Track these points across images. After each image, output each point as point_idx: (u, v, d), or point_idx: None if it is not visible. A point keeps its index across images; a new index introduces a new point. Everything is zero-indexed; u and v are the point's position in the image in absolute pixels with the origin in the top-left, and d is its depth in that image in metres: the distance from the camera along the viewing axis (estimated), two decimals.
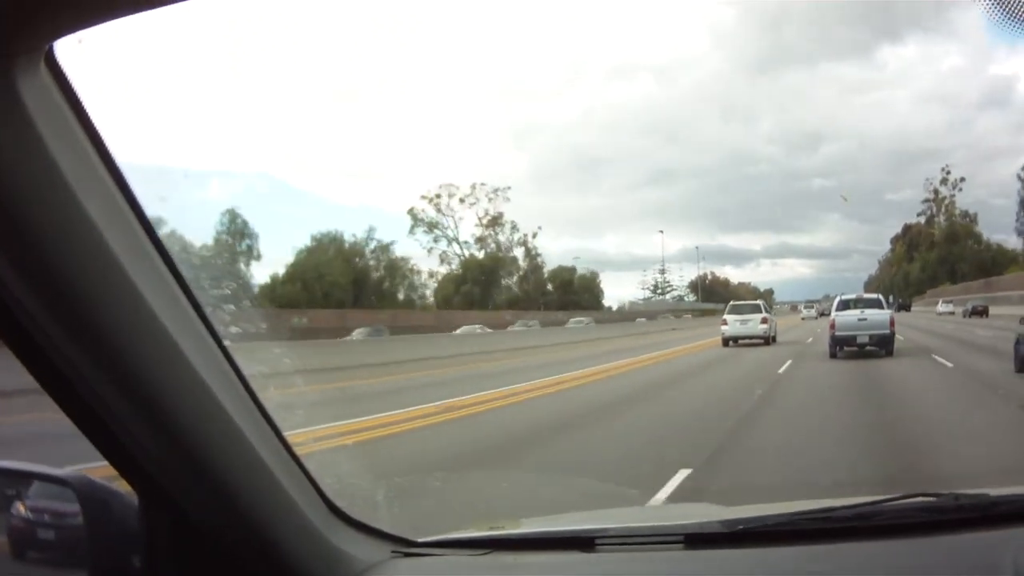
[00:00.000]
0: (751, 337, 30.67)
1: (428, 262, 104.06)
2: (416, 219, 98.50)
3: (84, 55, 1.13)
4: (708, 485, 6.98)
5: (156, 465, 1.33)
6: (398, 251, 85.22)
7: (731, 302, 38.59)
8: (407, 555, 1.77)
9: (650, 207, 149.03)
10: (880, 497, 1.73)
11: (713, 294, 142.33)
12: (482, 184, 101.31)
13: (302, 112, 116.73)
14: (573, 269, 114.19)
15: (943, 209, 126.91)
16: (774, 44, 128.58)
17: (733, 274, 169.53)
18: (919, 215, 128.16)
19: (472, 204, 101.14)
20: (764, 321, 31.11)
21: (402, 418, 12.00)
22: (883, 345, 22.46)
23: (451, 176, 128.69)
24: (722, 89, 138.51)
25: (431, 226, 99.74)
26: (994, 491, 1.74)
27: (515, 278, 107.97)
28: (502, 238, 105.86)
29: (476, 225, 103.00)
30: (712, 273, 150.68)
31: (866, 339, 22.56)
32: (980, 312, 59.77)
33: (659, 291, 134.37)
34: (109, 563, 1.39)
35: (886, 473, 7.50)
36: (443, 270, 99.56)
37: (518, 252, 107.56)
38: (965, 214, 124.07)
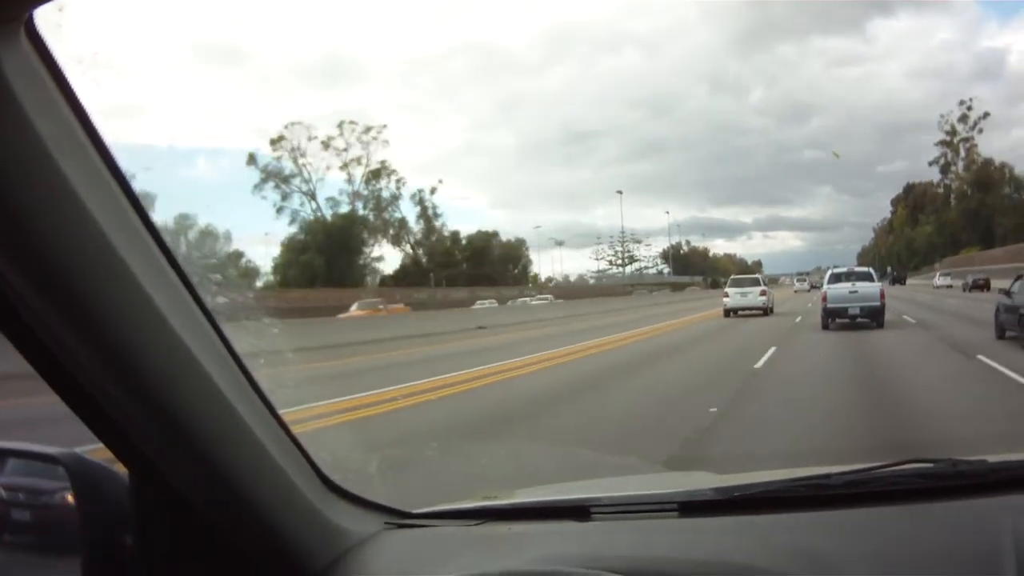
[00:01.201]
0: (751, 308, 32.86)
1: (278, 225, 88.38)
2: (265, 171, 79.80)
3: (65, 23, 1.10)
4: (703, 454, 7.03)
5: (148, 443, 1.31)
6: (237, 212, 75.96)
7: (732, 276, 42.47)
8: (400, 526, 1.77)
9: (639, 180, 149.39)
10: (876, 464, 1.73)
11: (690, 266, 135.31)
12: (351, 123, 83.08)
13: (291, 87, 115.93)
14: (493, 235, 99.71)
15: (962, 154, 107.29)
16: (763, 16, 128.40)
17: (724, 247, 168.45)
18: (931, 163, 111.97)
19: (343, 151, 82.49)
20: (763, 293, 33.56)
21: None
22: (874, 317, 23.28)
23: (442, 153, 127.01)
24: (711, 61, 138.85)
25: (283, 179, 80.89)
26: (992, 457, 1.74)
27: (405, 245, 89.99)
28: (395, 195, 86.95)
29: (346, 178, 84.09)
30: (688, 242, 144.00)
31: (857, 311, 23.45)
32: (981, 286, 54.85)
33: (619, 263, 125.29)
34: (101, 541, 1.38)
35: (881, 439, 7.65)
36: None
37: (412, 212, 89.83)
38: (990, 162, 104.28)
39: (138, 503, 1.41)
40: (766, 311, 33.08)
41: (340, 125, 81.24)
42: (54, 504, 1.37)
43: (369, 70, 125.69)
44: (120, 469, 1.40)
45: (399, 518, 1.80)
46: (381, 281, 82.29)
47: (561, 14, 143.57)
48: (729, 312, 32.91)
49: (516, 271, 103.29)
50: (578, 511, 1.76)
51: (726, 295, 34.38)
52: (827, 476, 1.70)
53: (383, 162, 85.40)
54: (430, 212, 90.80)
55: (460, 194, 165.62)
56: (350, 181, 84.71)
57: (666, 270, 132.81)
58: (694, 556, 1.52)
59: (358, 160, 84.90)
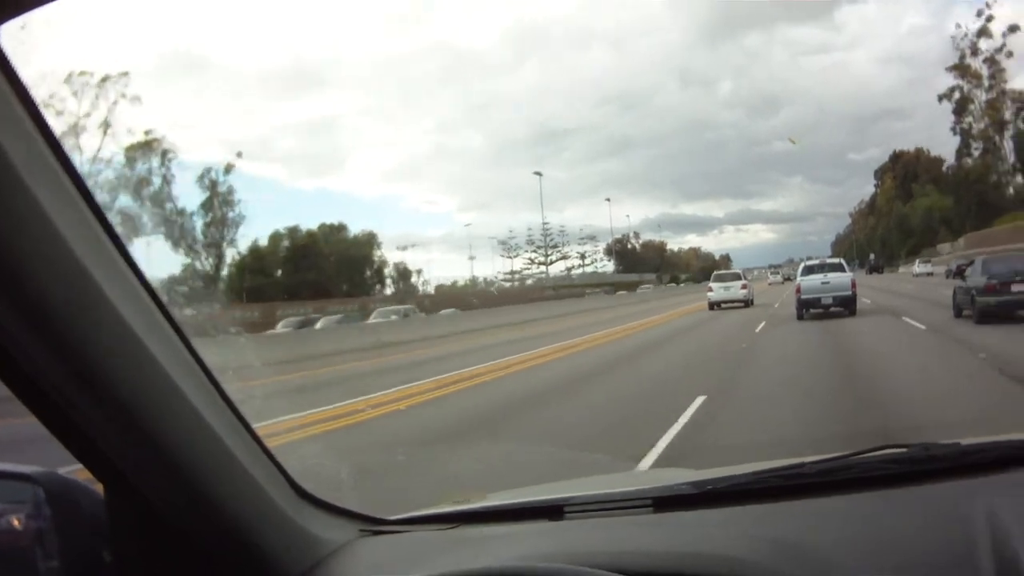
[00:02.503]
0: (733, 300, 35.36)
1: None
2: None
3: (29, 40, 1.10)
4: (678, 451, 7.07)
5: (122, 458, 1.32)
6: None
7: (715, 272, 44.27)
8: (375, 533, 1.78)
9: (610, 178, 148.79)
10: (850, 451, 1.75)
11: (640, 263, 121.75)
12: (82, 74, 54.95)
13: (259, 98, 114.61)
14: (338, 228, 77.59)
15: (987, 85, 77.67)
16: (730, 6, 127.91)
17: (697, 242, 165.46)
18: (941, 97, 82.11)
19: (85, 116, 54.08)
20: (744, 287, 36.27)
21: None
22: (846, 305, 24.54)
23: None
24: (679, 54, 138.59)
25: None
26: (966, 441, 1.76)
27: (187, 248, 65.80)
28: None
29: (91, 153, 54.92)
30: (636, 236, 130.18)
31: (830, 301, 24.67)
32: (961, 272, 52.86)
33: (543, 261, 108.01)
34: (78, 557, 1.38)
35: (860, 422, 7.90)
36: None
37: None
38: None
39: (114, 518, 1.40)
40: (747, 303, 35.25)
41: (68, 78, 54.24)
42: (29, 523, 1.36)
43: (332, 74, 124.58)
44: (96, 486, 1.40)
45: (374, 525, 1.81)
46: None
47: (526, 12, 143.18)
48: (713, 305, 35.18)
49: (369, 276, 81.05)
50: (552, 511, 1.77)
51: (710, 290, 36.88)
52: (801, 465, 1.72)
53: (147, 132, 59.15)
54: (221, 196, 67.71)
55: (428, 199, 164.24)
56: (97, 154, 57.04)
57: (611, 268, 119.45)
58: (670, 549, 1.52)
59: (105, 126, 57.22)
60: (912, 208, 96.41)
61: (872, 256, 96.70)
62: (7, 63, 1.06)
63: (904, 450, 1.71)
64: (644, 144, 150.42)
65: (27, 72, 1.09)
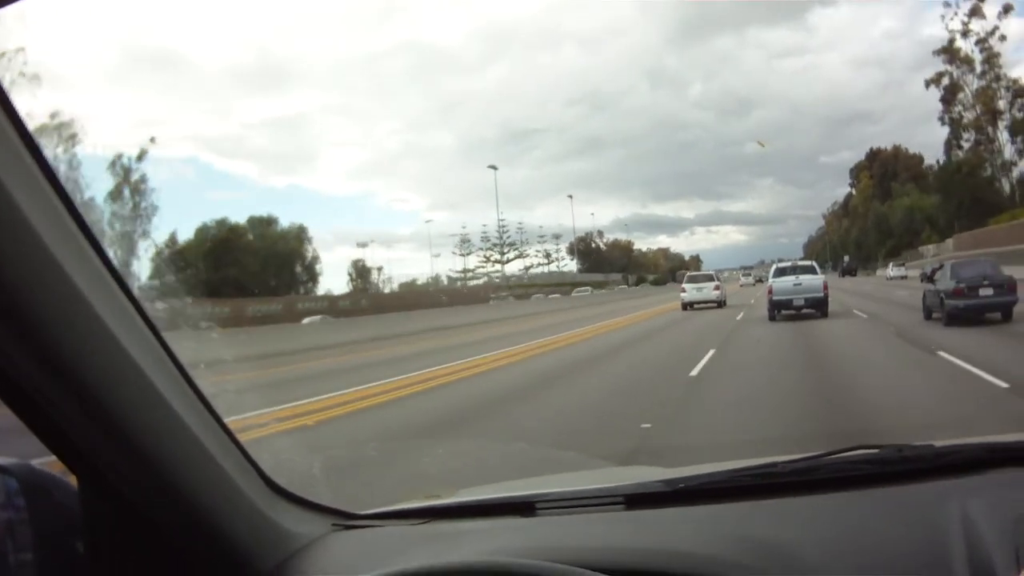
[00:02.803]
0: (706, 301, 35.64)
1: None
2: None
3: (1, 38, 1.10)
4: (649, 446, 7.09)
5: (95, 452, 1.32)
6: None
7: (688, 273, 45.54)
8: (347, 528, 1.79)
9: (581, 178, 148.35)
10: (823, 451, 1.75)
11: (606, 263, 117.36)
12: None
13: (223, 92, 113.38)
14: (268, 222, 72.18)
15: (979, 71, 69.75)
16: (701, 8, 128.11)
17: (667, 243, 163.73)
18: (929, 82, 73.89)
19: None
20: (716, 288, 36.50)
21: None
22: (818, 307, 24.71)
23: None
24: (650, 55, 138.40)
25: None
26: (939, 442, 1.76)
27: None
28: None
29: None
30: (600, 235, 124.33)
31: (802, 302, 24.79)
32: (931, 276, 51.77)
33: (498, 259, 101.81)
34: (52, 550, 1.38)
35: (832, 423, 8.05)
36: None
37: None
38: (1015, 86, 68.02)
39: (88, 511, 1.41)
40: (720, 304, 35.50)
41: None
42: (2, 514, 1.37)
43: (300, 72, 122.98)
44: (70, 478, 1.40)
45: (345, 519, 1.82)
46: None
47: (497, 11, 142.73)
48: (686, 306, 35.46)
49: (300, 272, 75.77)
50: (523, 507, 1.77)
51: (683, 290, 37.17)
52: (774, 464, 1.72)
53: (54, 114, 49.51)
54: (140, 188, 61.43)
55: (398, 196, 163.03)
56: None
57: (575, 267, 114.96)
58: (641, 546, 1.52)
59: None
60: (891, 208, 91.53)
61: (846, 258, 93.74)
62: None
63: (877, 451, 1.72)
64: (614, 144, 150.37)
65: None
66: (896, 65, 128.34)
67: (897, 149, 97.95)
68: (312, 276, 77.79)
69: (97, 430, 1.29)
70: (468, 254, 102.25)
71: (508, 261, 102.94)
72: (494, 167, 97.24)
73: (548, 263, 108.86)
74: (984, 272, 18.73)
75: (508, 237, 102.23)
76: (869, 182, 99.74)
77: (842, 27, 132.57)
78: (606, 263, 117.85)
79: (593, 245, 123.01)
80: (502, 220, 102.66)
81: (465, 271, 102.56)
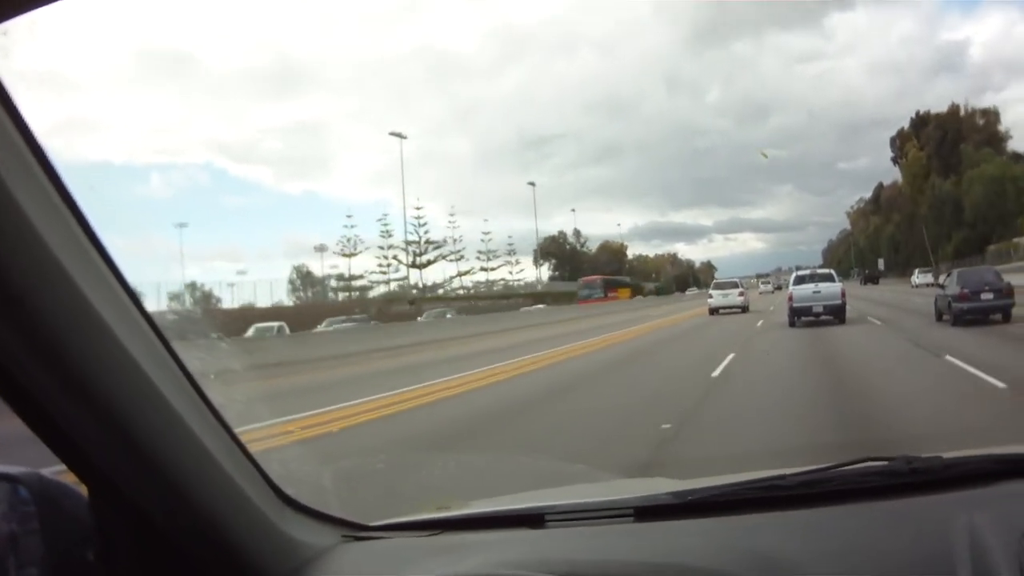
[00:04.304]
0: (732, 307, 38.88)
1: None
2: None
3: (11, 47, 1.11)
4: (660, 459, 7.07)
5: (106, 461, 1.33)
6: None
7: (714, 280, 48.66)
8: (357, 539, 1.79)
9: (599, 185, 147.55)
10: (831, 464, 1.75)
11: (589, 269, 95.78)
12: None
13: (241, 98, 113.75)
14: None
15: None
16: (719, 13, 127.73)
17: (685, 250, 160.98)
18: None
19: None
20: (741, 294, 40.16)
21: None
22: (836, 314, 25.68)
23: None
24: (667, 61, 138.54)
25: None
26: (947, 454, 1.75)
27: None
28: None
29: None
30: (577, 235, 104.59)
31: (821, 309, 25.84)
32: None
33: (414, 263, 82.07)
34: (63, 559, 1.38)
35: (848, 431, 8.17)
36: None
37: None
38: None
39: (98, 520, 1.41)
40: (744, 309, 38.79)
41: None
42: (14, 524, 1.36)
43: (318, 78, 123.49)
44: (82, 488, 1.40)
45: (355, 531, 1.81)
46: None
47: (513, 16, 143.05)
48: (713, 311, 38.47)
49: None
50: (533, 519, 1.77)
51: (710, 296, 40.92)
52: (782, 476, 1.72)
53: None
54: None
55: (414, 203, 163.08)
56: None
57: (545, 275, 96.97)
58: (650, 559, 1.53)
59: None
60: (964, 183, 63.76)
61: (880, 261, 79.87)
62: None
63: (885, 463, 1.71)
64: (632, 151, 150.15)
65: (9, 77, 1.10)
66: (913, 70, 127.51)
67: (956, 109, 72.22)
68: None
69: (107, 440, 1.29)
70: (353, 254, 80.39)
71: (424, 265, 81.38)
72: (399, 134, 79.66)
73: (489, 269, 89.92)
74: (986, 279, 21.56)
75: (425, 231, 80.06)
76: (919, 154, 73.46)
77: (859, 32, 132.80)
78: (590, 269, 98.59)
79: (568, 248, 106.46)
80: (418, 209, 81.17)
81: (351, 277, 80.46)
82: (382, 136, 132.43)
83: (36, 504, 1.36)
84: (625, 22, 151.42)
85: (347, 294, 78.34)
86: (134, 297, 1.30)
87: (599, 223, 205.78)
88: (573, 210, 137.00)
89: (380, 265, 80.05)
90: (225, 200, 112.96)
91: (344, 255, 79.24)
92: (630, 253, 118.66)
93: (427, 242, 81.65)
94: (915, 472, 1.67)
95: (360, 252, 79.74)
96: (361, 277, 79.53)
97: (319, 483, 3.45)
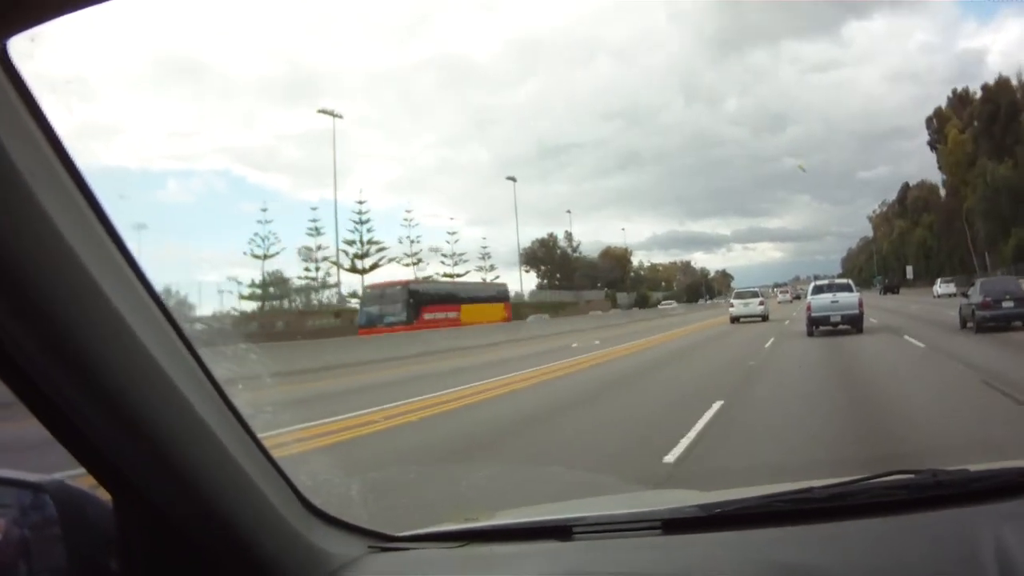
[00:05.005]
0: (752, 315, 39.82)
1: None
2: None
3: (39, 53, 1.11)
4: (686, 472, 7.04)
5: (130, 468, 1.32)
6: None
7: (735, 290, 49.67)
8: (384, 550, 1.78)
9: (617, 194, 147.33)
10: (858, 476, 1.74)
11: (585, 278, 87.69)
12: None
13: (258, 106, 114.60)
14: None
15: None
16: (736, 22, 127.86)
17: (703, 260, 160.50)
18: None
19: None
20: (761, 303, 41.17)
21: None
22: (854, 324, 25.75)
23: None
24: (684, 70, 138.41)
25: None
26: (974, 467, 1.75)
27: None
28: None
29: None
30: (569, 238, 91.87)
31: (839, 319, 25.97)
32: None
33: (355, 267, 70.94)
34: (86, 567, 1.38)
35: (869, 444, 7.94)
36: None
37: None
38: None
39: (122, 528, 1.41)
40: (764, 318, 39.63)
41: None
42: (38, 532, 1.37)
43: (336, 87, 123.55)
44: (103, 495, 1.40)
45: (382, 541, 1.80)
46: None
47: (531, 25, 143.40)
48: (735, 319, 39.58)
49: None
50: (560, 531, 1.76)
51: (731, 305, 42.09)
52: (809, 490, 1.71)
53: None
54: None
55: (433, 212, 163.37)
56: None
57: (532, 281, 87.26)
58: (678, 572, 1.52)
59: None
60: (1003, 177, 52.46)
61: (910, 268, 75.36)
62: (15, 73, 1.08)
63: (912, 476, 1.70)
64: (650, 160, 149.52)
65: (35, 82, 1.10)
66: (931, 79, 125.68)
67: (1005, 81, 57.82)
68: None
69: (130, 447, 1.29)
70: (266, 256, 70.38)
71: (367, 270, 70.90)
72: (334, 114, 68.61)
73: (453, 276, 79.05)
74: (1007, 288, 22.72)
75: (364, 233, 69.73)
76: (962, 137, 62.08)
77: (877, 40, 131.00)
78: (586, 276, 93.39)
79: (559, 253, 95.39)
80: (361, 203, 72.32)
81: (264, 284, 69.37)
82: (399, 144, 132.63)
83: (59, 512, 1.36)
84: (642, 31, 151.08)
85: (259, 304, 67.86)
86: (161, 304, 1.29)
87: (619, 232, 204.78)
88: (568, 211, 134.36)
89: (307, 269, 71.54)
90: (243, 207, 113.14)
91: (255, 256, 68.89)
92: (638, 261, 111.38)
93: (369, 242, 72.29)
94: (941, 485, 1.66)
95: (276, 254, 70.67)
96: (286, 282, 70.91)
97: (346, 494, 3.45)
